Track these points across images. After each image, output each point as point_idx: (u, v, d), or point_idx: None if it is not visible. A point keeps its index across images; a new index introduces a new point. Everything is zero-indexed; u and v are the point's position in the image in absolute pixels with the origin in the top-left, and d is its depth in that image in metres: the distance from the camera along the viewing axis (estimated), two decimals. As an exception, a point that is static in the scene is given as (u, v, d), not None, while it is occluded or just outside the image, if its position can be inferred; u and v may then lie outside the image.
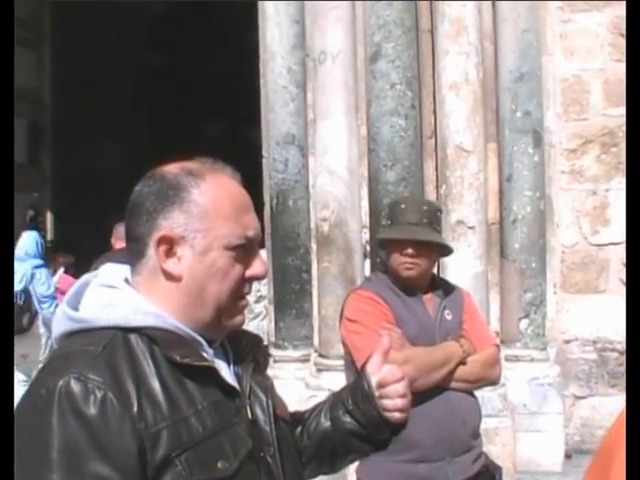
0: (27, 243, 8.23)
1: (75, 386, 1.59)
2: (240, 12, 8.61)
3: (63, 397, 1.58)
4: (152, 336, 1.73)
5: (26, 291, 8.37)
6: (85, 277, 1.88)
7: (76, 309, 1.78)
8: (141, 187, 1.80)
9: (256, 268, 1.82)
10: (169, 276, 1.77)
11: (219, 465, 1.67)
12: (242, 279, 1.80)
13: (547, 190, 7.02)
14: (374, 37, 6.78)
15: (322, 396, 7.07)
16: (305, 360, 7.16)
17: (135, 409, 1.62)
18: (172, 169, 1.81)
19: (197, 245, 1.75)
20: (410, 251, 3.73)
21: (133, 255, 1.81)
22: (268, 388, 1.91)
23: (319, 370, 6.96)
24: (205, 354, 1.78)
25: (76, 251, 10.53)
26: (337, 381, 6.56)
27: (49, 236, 10.17)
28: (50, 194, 10.13)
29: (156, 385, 1.68)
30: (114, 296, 1.78)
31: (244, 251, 1.79)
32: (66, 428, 1.56)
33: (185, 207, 1.75)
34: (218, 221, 1.76)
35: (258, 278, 1.84)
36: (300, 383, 6.96)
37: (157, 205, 1.76)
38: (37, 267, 8.37)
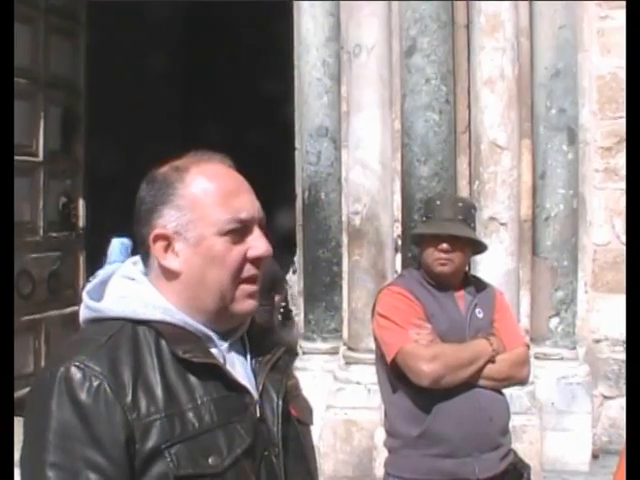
0: (114, 249, 8.68)
1: (74, 373, 1.66)
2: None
3: (62, 382, 1.65)
4: (159, 330, 1.76)
5: None
6: (112, 267, 1.94)
7: (100, 298, 1.84)
8: (139, 192, 1.85)
9: (256, 249, 1.82)
10: (169, 272, 1.81)
11: (210, 461, 1.70)
12: (242, 262, 1.81)
13: (581, 188, 6.98)
14: (410, 31, 6.76)
15: (350, 389, 7.13)
16: (334, 353, 7.17)
17: (129, 399, 1.67)
18: (162, 169, 1.85)
19: (190, 237, 1.79)
20: (445, 246, 3.75)
21: (142, 258, 1.87)
22: (282, 387, 1.90)
23: (348, 363, 6.97)
24: (215, 350, 1.81)
25: (108, 239, 10.59)
26: (365, 374, 6.61)
27: (81, 223, 10.20)
28: (83, 182, 10.15)
29: (155, 378, 1.71)
30: (130, 288, 1.83)
31: (240, 234, 1.80)
32: (62, 412, 1.64)
33: (174, 203, 1.79)
34: (206, 209, 1.79)
35: (260, 258, 1.83)
36: (329, 375, 6.98)
37: (151, 206, 1.81)
38: None
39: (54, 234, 9.68)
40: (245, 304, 1.83)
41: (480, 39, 6.73)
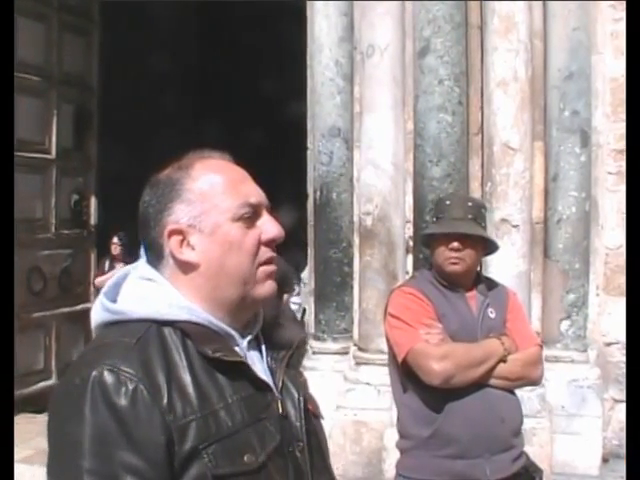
0: None
1: (108, 377, 1.64)
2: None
3: (96, 387, 1.63)
4: (185, 330, 1.76)
5: None
6: (125, 269, 1.93)
7: (114, 300, 1.83)
8: (143, 197, 1.86)
9: (269, 231, 1.84)
10: (188, 266, 1.81)
11: (245, 459, 1.70)
12: (258, 245, 1.83)
13: (593, 191, 6.95)
14: (423, 32, 6.75)
15: (360, 389, 7.13)
16: (344, 353, 7.17)
17: (165, 401, 1.66)
18: (164, 171, 1.87)
19: (205, 227, 1.80)
20: (455, 244, 3.75)
21: (154, 263, 1.86)
22: (301, 383, 1.93)
23: (358, 363, 6.97)
24: (237, 348, 1.81)
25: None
26: (375, 375, 6.61)
27: (92, 221, 10.22)
28: (95, 179, 10.18)
29: (187, 378, 1.71)
30: (150, 289, 1.82)
31: (252, 218, 1.83)
32: (98, 417, 1.61)
33: (183, 198, 1.81)
34: (217, 198, 1.81)
35: (275, 240, 1.85)
36: (338, 376, 6.98)
37: (159, 207, 1.82)
38: None
39: (66, 231, 9.71)
40: (266, 286, 1.84)
41: (493, 40, 6.71)
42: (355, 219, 7.15)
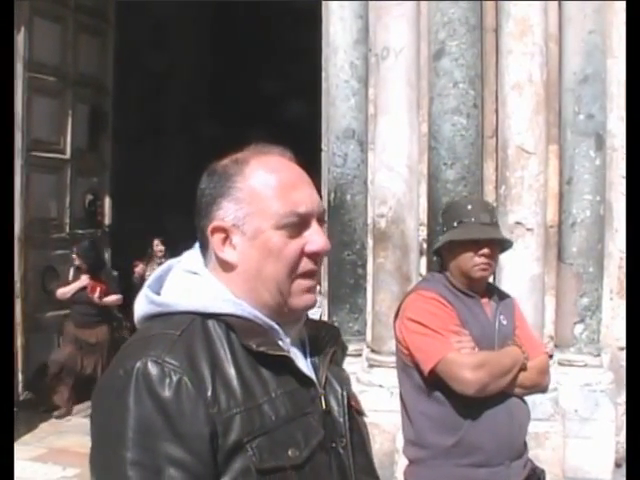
0: None
1: (152, 368, 1.63)
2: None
3: (140, 378, 1.62)
4: (230, 323, 1.75)
5: None
6: (169, 262, 1.93)
7: (158, 293, 1.83)
8: (200, 184, 1.84)
9: (314, 243, 1.79)
10: (226, 265, 1.80)
11: (289, 453, 1.69)
12: (300, 256, 1.79)
13: (607, 194, 6.93)
14: (438, 34, 6.75)
15: (373, 391, 7.11)
16: (357, 355, 7.15)
17: (209, 394, 1.65)
18: (223, 161, 1.85)
19: (247, 230, 1.78)
20: (487, 251, 3.71)
21: (202, 251, 1.86)
22: (344, 379, 1.93)
23: (371, 366, 6.96)
24: (281, 343, 1.80)
25: (132, 237, 10.64)
26: (388, 377, 6.58)
27: (106, 220, 10.27)
28: (109, 180, 10.23)
29: (231, 371, 1.70)
30: (195, 282, 1.82)
31: (297, 228, 1.78)
32: (142, 409, 1.60)
33: (233, 195, 1.79)
34: (264, 202, 1.77)
35: (318, 254, 1.81)
36: (351, 378, 6.95)
37: (211, 199, 1.81)
38: None
39: (80, 231, 9.77)
40: (303, 299, 1.81)
41: (509, 43, 6.70)
42: (369, 221, 7.14)
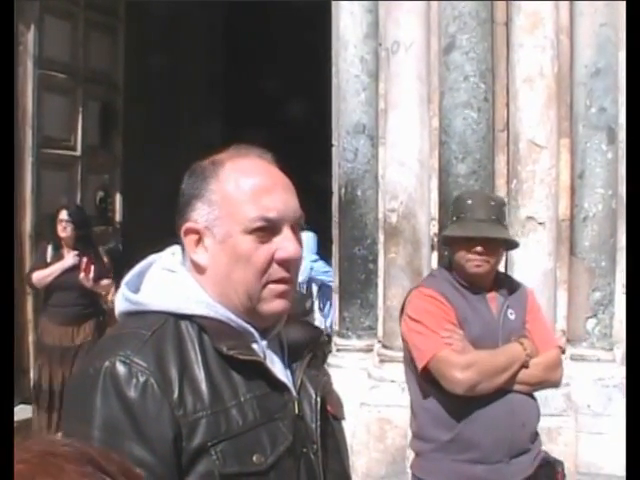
0: (307, 242, 8.83)
1: (120, 368, 1.64)
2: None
3: (108, 378, 1.63)
4: (202, 325, 1.74)
5: (308, 281, 9.66)
6: (151, 257, 1.92)
7: (137, 289, 1.82)
8: (182, 184, 1.85)
9: (283, 250, 1.77)
10: (198, 267, 1.80)
11: (254, 459, 1.68)
12: (269, 262, 1.77)
13: (620, 188, 6.89)
14: (449, 28, 6.72)
15: (384, 387, 7.09)
16: (368, 350, 7.15)
17: (175, 396, 1.65)
18: (202, 162, 1.85)
19: (217, 233, 1.77)
20: (479, 249, 3.69)
21: (182, 251, 1.86)
22: (319, 384, 1.89)
23: (382, 361, 6.94)
24: (256, 346, 1.79)
25: (142, 233, 10.64)
26: (400, 372, 6.54)
27: (117, 218, 10.27)
28: (120, 176, 10.23)
29: (200, 374, 1.70)
30: (171, 281, 1.81)
31: (268, 233, 1.76)
32: (108, 408, 1.61)
33: (206, 197, 1.78)
34: (235, 206, 1.76)
35: (288, 261, 1.78)
36: (362, 373, 6.96)
37: (187, 199, 1.81)
38: (314, 261, 9.62)
39: (91, 228, 9.74)
40: (273, 304, 1.79)
41: (520, 37, 6.67)
42: (380, 216, 7.12)
